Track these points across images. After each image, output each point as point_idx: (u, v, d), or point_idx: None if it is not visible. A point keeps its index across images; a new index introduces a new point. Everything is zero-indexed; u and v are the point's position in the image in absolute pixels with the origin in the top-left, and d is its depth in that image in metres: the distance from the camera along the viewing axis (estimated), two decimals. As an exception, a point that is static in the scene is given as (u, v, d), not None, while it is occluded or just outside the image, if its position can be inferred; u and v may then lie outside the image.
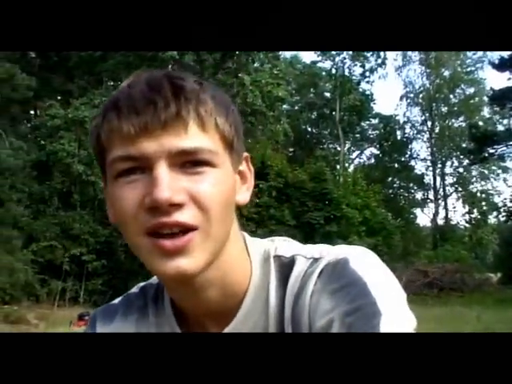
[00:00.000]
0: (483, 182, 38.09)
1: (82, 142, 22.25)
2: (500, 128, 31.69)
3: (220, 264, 0.71)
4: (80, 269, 22.04)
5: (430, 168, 39.02)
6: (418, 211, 41.18)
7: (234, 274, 0.74)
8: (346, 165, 37.78)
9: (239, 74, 23.07)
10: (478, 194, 37.83)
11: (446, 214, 38.46)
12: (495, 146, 25.77)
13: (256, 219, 21.87)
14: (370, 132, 41.02)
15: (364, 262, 0.71)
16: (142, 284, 0.87)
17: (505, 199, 28.35)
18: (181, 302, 0.77)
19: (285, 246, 0.78)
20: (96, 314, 0.86)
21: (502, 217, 29.54)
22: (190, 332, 0.78)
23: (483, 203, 37.00)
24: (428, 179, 39.42)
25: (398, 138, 40.37)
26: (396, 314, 0.66)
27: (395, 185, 41.06)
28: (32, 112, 27.64)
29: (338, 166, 35.24)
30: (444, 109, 38.69)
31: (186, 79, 0.69)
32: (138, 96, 0.65)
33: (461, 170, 38.55)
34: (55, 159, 21.92)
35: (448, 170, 39.04)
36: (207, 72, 25.16)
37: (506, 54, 25.01)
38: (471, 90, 37.75)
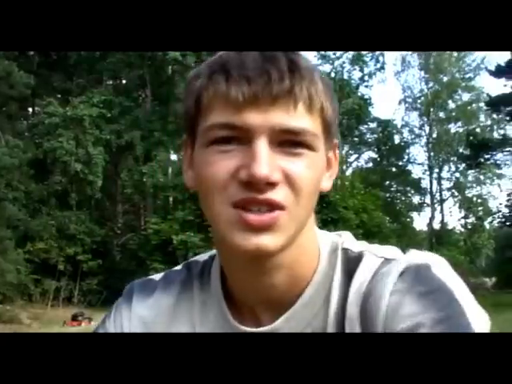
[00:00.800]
0: (479, 188, 38.30)
1: (79, 140, 22.22)
2: (496, 135, 31.95)
3: (294, 248, 0.68)
4: (75, 268, 22.01)
5: (427, 172, 39.19)
6: (414, 215, 41.39)
7: (303, 261, 0.71)
8: (344, 168, 37.85)
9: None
10: (474, 199, 37.98)
11: (442, 218, 38.64)
12: (491, 153, 25.93)
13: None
14: (368, 136, 41.07)
15: (445, 269, 0.70)
16: (186, 261, 0.83)
17: (500, 204, 28.40)
18: (238, 284, 0.72)
19: (353, 240, 0.76)
20: (133, 287, 0.81)
21: (497, 223, 29.63)
22: (241, 319, 0.73)
23: (479, 208, 37.13)
24: (425, 183, 39.62)
25: (396, 142, 40.47)
26: (480, 324, 0.67)
27: (392, 188, 41.12)
28: (30, 110, 27.59)
29: None
30: (442, 114, 38.84)
31: (301, 56, 0.67)
32: (251, 64, 0.63)
33: (457, 175, 38.75)
34: (53, 157, 21.87)
35: (445, 174, 39.23)
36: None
37: (502, 60, 25.19)
38: (469, 96, 37.94)
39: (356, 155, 41.30)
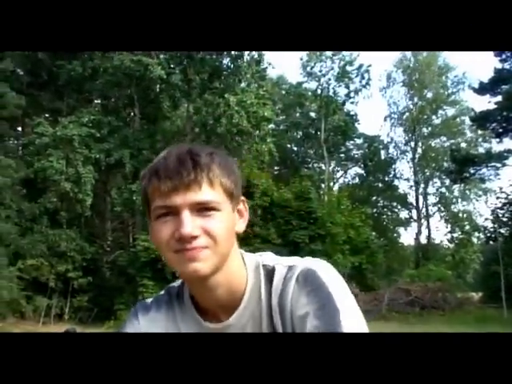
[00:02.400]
0: (465, 203, 38.77)
1: (69, 160, 22.33)
2: (481, 150, 32.38)
3: (225, 271, 1.05)
4: (65, 286, 22.02)
5: (413, 188, 39.57)
6: (401, 230, 41.66)
7: (235, 278, 1.08)
8: (331, 184, 38.11)
9: (225, 95, 23.32)
10: (460, 215, 38.37)
11: (429, 233, 38.93)
12: (475, 167, 26.30)
13: (241, 236, 22.00)
14: (354, 152, 41.47)
15: (326, 272, 1.06)
16: (167, 287, 1.21)
17: (486, 219, 28.68)
18: (198, 297, 1.11)
19: (269, 257, 1.14)
20: (137, 308, 1.20)
21: (484, 237, 29.86)
22: (207, 319, 1.11)
23: (465, 223, 37.44)
24: (411, 199, 40.00)
25: (382, 157, 40.87)
26: (350, 311, 0.99)
27: (379, 204, 41.40)
28: (20, 129, 27.66)
29: (323, 185, 35.52)
30: (427, 130, 39.35)
31: (201, 154, 1.03)
32: (171, 167, 1.01)
33: (443, 190, 39.17)
34: (43, 176, 21.98)
35: (431, 189, 39.63)
36: (194, 92, 25.38)
37: (485, 78, 25.77)
38: (453, 111, 38.47)
39: (342, 171, 41.70)
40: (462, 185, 33.67)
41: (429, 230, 38.85)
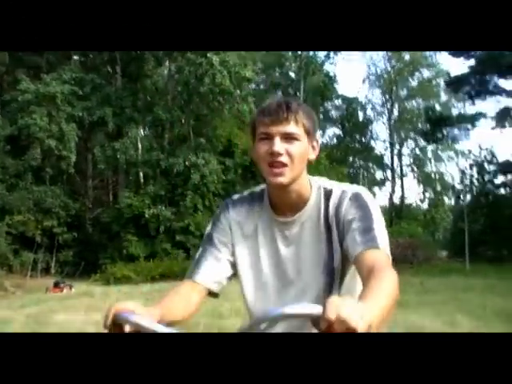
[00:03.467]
0: (438, 164, 39.83)
1: (52, 117, 22.39)
2: (454, 112, 33.22)
3: (297, 183, 1.49)
4: (51, 241, 22.52)
5: (389, 149, 40.34)
6: (376, 190, 42.61)
7: (303, 189, 1.52)
8: (310, 144, 38.34)
9: (208, 54, 23.35)
10: (433, 176, 39.43)
11: (403, 193, 40.02)
12: (448, 128, 27.29)
13: (223, 195, 22.56)
14: (332, 113, 41.89)
15: (368, 196, 1.51)
16: (250, 190, 1.66)
17: (453, 180, 29.81)
18: (276, 198, 1.54)
19: (326, 181, 1.59)
20: (227, 202, 1.65)
21: (453, 197, 31.06)
22: (279, 214, 1.54)
23: (437, 184, 38.53)
24: (387, 159, 40.87)
25: (360, 119, 41.36)
26: (380, 223, 1.43)
27: (356, 164, 42.13)
28: None
29: None
30: (403, 92, 39.86)
31: (292, 103, 1.46)
32: (272, 109, 1.44)
33: (417, 151, 40.11)
34: (27, 134, 22.04)
35: (405, 150, 40.45)
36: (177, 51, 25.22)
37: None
38: (429, 73, 38.97)
39: (321, 132, 42.15)
40: (435, 145, 34.63)
41: (402, 190, 39.97)
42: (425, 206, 39.93)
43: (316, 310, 0.91)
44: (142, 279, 18.54)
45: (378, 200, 42.74)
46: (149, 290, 13.94)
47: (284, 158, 1.43)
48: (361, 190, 1.53)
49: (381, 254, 1.33)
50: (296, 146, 1.44)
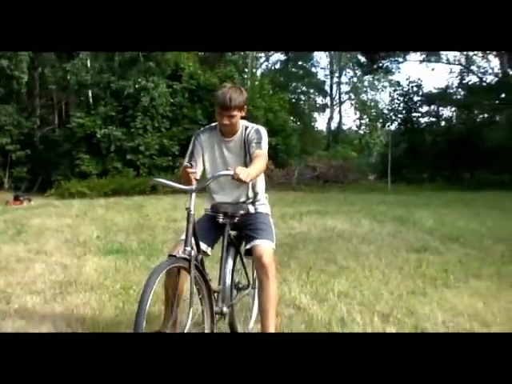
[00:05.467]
0: (373, 92, 41.93)
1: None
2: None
3: (233, 124, 3.25)
4: (4, 158, 23.25)
5: (329, 76, 42.16)
6: (316, 115, 44.56)
7: (236, 127, 3.31)
8: (254, 70, 39.26)
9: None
10: (368, 103, 41.49)
11: (340, 119, 42.57)
12: (382, 61, 29.43)
13: (171, 117, 23.63)
14: (277, 38, 42.27)
15: (264, 130, 3.28)
16: (211, 125, 3.45)
17: (384, 107, 32.10)
18: (223, 130, 3.31)
19: (246, 122, 3.34)
20: (200, 131, 3.41)
21: (385, 123, 33.49)
22: (225, 136, 3.28)
23: (372, 111, 40.53)
24: (327, 87, 42.67)
25: (303, 45, 42.09)
26: (264, 143, 3.22)
27: (298, 90, 43.67)
28: None
29: (247, 70, 36.69)
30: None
31: (233, 95, 3.09)
32: (221, 102, 3.08)
33: (355, 79, 42.14)
34: (-23, 53, 22.06)
35: (344, 79, 42.54)
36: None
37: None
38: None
39: (265, 57, 42.98)
40: (371, 76, 36.67)
41: (340, 116, 42.60)
42: (361, 131, 42.29)
43: (231, 172, 2.81)
44: (96, 195, 19.45)
45: (317, 124, 45.44)
46: (105, 204, 15.23)
47: (228, 122, 3.11)
48: (260, 127, 3.25)
49: (262, 151, 3.09)
50: (235, 118, 3.11)
